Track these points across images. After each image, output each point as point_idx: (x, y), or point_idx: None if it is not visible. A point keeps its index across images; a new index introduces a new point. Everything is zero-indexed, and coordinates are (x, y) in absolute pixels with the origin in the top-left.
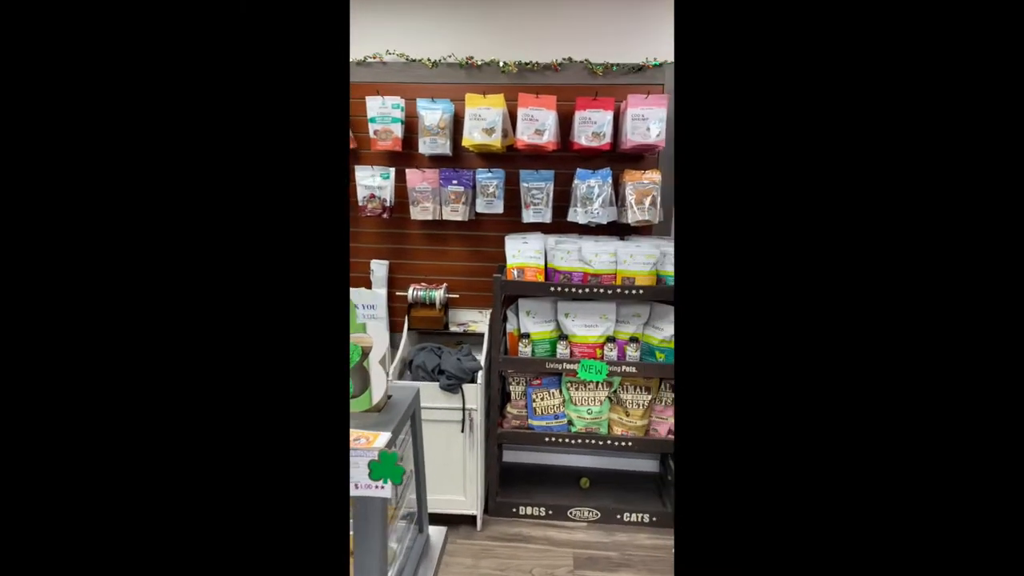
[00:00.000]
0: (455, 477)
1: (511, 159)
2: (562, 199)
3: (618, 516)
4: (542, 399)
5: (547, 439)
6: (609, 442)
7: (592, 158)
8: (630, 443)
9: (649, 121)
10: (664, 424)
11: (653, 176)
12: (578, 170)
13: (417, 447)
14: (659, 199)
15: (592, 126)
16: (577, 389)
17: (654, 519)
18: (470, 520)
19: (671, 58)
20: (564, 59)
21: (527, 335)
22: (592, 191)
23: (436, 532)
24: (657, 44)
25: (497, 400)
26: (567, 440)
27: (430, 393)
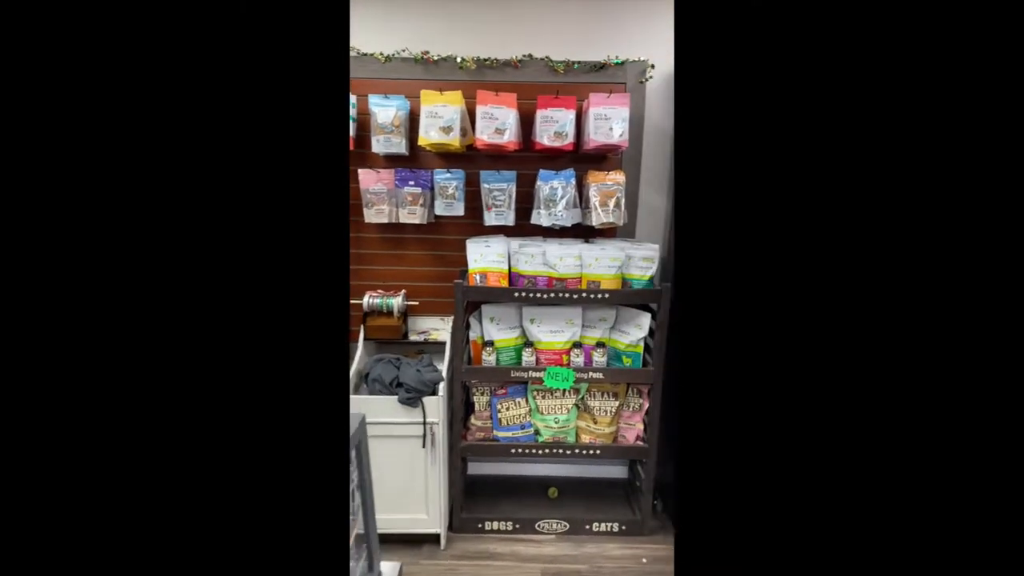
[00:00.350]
0: (416, 495)
1: (471, 159)
2: (525, 201)
3: (587, 527)
4: (507, 409)
5: (513, 451)
6: (577, 451)
7: (555, 158)
8: (598, 451)
9: (612, 121)
10: (632, 430)
11: (617, 177)
12: (541, 171)
13: (364, 479)
14: (623, 201)
15: (554, 125)
16: (544, 397)
17: (623, 528)
18: (433, 539)
19: (632, 56)
20: (524, 56)
21: (491, 343)
22: (556, 192)
23: (389, 568)
24: (618, 42)
25: (460, 412)
26: (534, 451)
27: (388, 408)
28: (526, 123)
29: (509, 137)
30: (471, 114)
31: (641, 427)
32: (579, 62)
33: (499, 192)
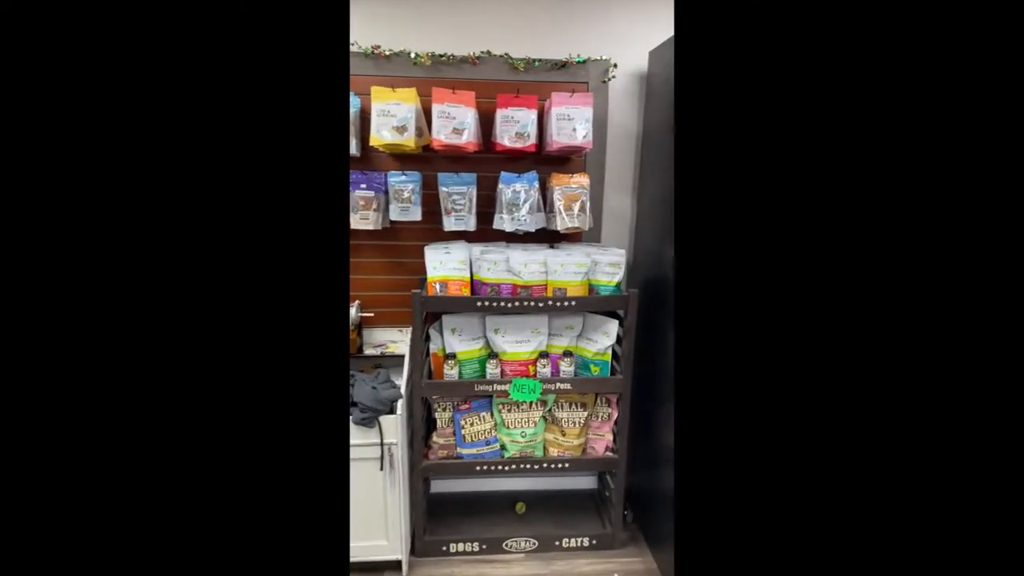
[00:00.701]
0: (375, 520)
1: (428, 160)
2: (486, 204)
3: (556, 542)
4: (472, 425)
5: (478, 468)
6: (545, 465)
7: (517, 160)
8: (567, 464)
9: (575, 121)
10: (601, 441)
11: (581, 180)
12: (502, 173)
13: None
14: (588, 204)
15: (515, 126)
16: (509, 411)
17: (594, 542)
18: (395, 566)
19: (595, 55)
20: (483, 52)
21: (453, 355)
22: (518, 196)
23: None
24: (581, 40)
25: (421, 430)
26: (500, 468)
27: None
28: (486, 123)
29: (468, 137)
30: (427, 113)
31: (610, 437)
32: (540, 60)
33: (458, 196)
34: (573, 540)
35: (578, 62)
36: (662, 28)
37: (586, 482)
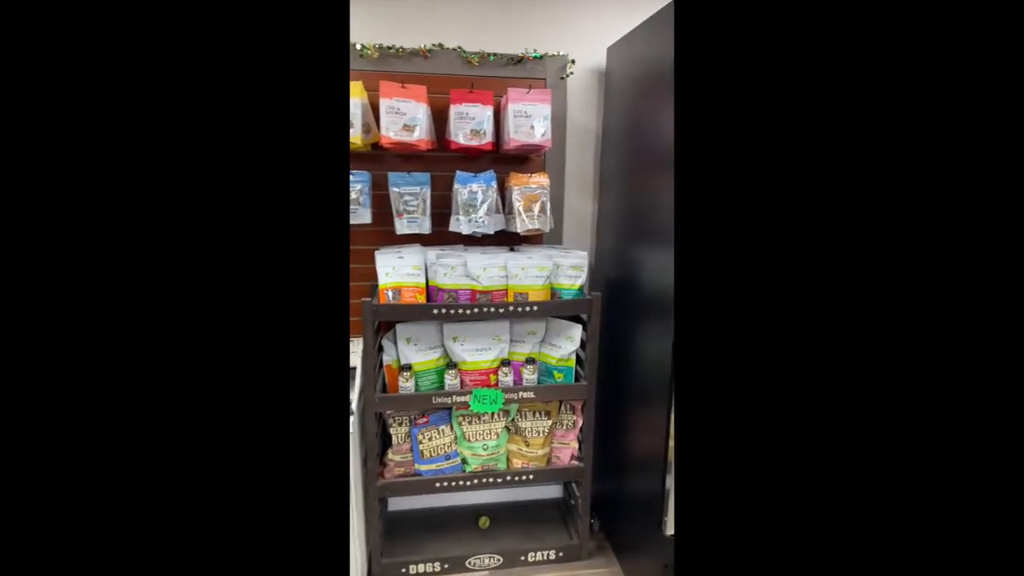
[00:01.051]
0: None
1: (378, 159)
2: (442, 205)
3: (521, 557)
4: (430, 439)
5: (438, 485)
6: (509, 478)
7: (474, 159)
8: (531, 475)
9: (533, 119)
10: (566, 449)
11: (541, 180)
12: (458, 172)
13: None
14: (548, 205)
15: (470, 122)
16: (470, 423)
17: (561, 554)
18: None
19: (552, 50)
20: (434, 45)
21: (409, 367)
22: (475, 196)
23: None
24: (537, 35)
25: (376, 447)
26: (461, 483)
27: None
28: (439, 120)
29: (420, 135)
30: (374, 109)
31: (576, 445)
32: (495, 54)
33: (411, 196)
34: (539, 554)
35: (535, 57)
36: (620, 24)
37: (552, 491)
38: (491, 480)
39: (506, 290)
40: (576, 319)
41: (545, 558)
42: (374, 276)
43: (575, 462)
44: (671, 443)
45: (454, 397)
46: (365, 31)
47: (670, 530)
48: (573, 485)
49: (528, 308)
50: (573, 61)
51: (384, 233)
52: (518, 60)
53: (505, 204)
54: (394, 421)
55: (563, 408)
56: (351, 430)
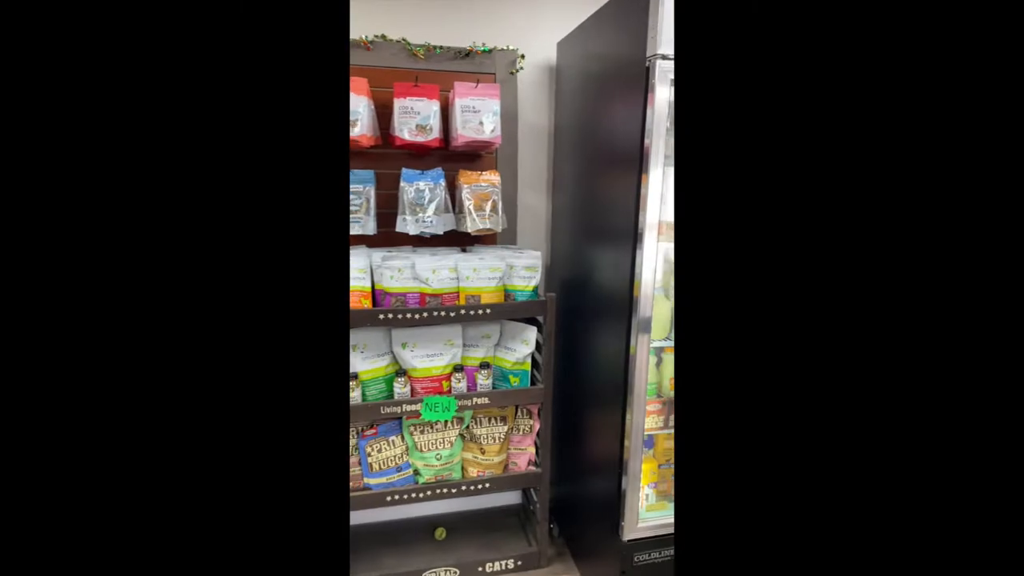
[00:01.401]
0: None
1: None
2: (387, 205)
3: (480, 568)
4: (379, 451)
5: (389, 499)
6: (464, 488)
7: (421, 156)
8: (488, 484)
9: (481, 114)
10: (524, 455)
11: (491, 178)
12: (404, 170)
13: None
14: (500, 204)
15: (415, 117)
16: (422, 432)
17: (520, 563)
18: None
19: (501, 44)
20: (376, 36)
21: (355, 375)
22: (423, 195)
23: None
24: (485, 28)
25: None
26: (414, 495)
27: None
28: (383, 115)
29: (362, 130)
30: None
31: (533, 450)
32: (441, 47)
33: (354, 195)
34: (498, 563)
35: (483, 51)
36: (570, 18)
37: (510, 497)
38: (446, 491)
39: (457, 292)
40: (531, 321)
41: (504, 567)
42: None
43: (533, 468)
44: (627, 443)
45: (404, 406)
46: None
47: (627, 535)
48: (531, 492)
49: (481, 311)
50: (523, 56)
51: None
52: (466, 54)
53: (455, 203)
54: None
55: (520, 413)
56: None
